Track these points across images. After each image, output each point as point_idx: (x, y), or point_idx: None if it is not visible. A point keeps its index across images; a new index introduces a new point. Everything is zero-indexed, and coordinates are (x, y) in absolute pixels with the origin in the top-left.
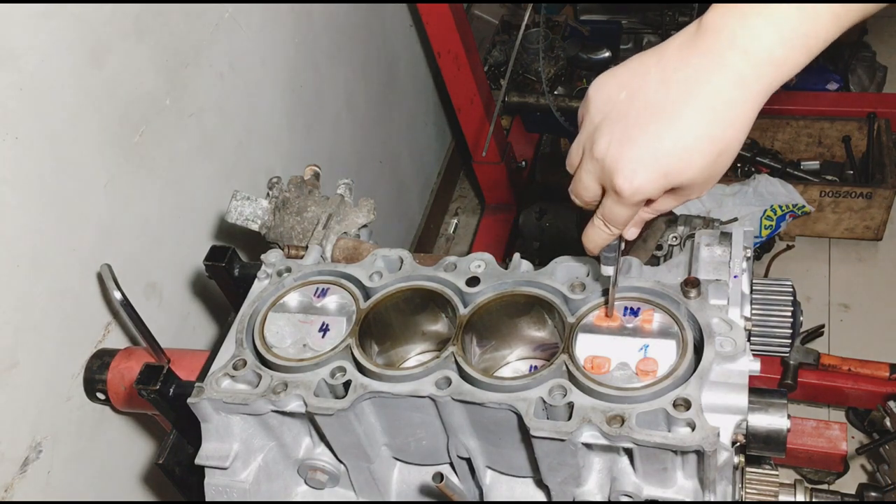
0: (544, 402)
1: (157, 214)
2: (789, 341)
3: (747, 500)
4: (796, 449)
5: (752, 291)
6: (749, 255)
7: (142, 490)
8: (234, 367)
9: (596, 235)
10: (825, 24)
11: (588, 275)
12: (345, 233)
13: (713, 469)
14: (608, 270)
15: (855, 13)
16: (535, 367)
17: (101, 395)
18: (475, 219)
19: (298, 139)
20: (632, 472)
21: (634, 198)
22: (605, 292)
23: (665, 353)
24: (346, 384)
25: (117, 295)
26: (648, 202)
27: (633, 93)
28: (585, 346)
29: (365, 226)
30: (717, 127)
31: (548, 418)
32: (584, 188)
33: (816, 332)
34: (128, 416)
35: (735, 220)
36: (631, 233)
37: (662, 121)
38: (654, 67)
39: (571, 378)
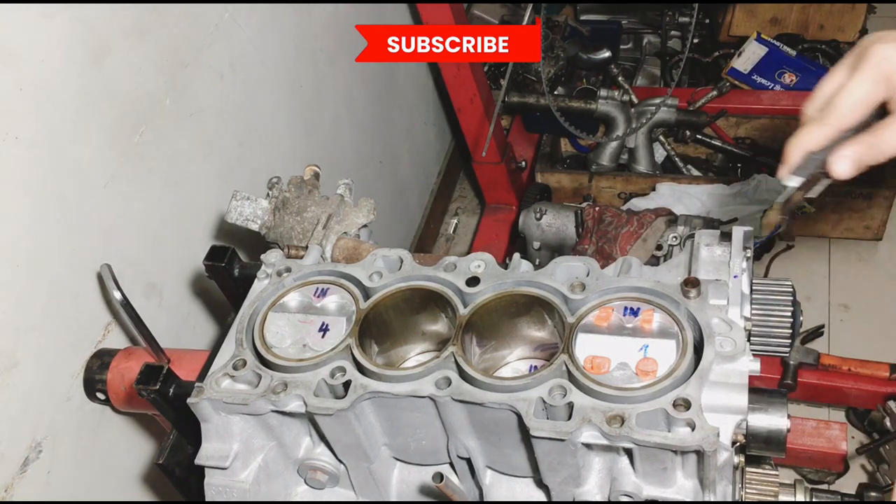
0: (544, 402)
1: (157, 214)
2: (789, 341)
3: (747, 500)
4: (796, 449)
5: (751, 291)
6: (749, 255)
7: (142, 490)
8: (234, 367)
9: (813, 130)
10: None
11: (588, 274)
12: (345, 233)
13: (713, 469)
14: (794, 181)
15: None
16: (535, 367)
17: (101, 395)
18: (475, 219)
19: (298, 139)
20: (632, 472)
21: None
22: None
23: (665, 353)
24: (346, 384)
25: (117, 295)
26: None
27: None
28: (585, 346)
29: (365, 226)
30: None
31: (548, 418)
32: (851, 93)
33: (816, 332)
34: (128, 416)
35: (735, 220)
36: (842, 165)
37: None
38: None
39: (571, 378)
